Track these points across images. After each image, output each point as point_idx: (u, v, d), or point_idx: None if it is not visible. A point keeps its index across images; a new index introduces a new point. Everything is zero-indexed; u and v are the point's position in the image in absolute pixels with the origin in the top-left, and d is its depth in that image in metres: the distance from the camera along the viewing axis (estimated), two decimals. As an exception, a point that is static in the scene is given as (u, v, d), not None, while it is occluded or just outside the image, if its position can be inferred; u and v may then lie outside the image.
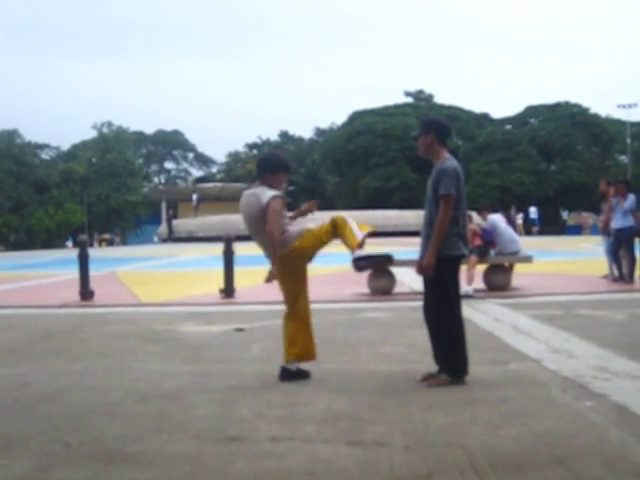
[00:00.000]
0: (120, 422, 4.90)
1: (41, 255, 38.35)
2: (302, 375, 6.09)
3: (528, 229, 49.56)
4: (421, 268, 5.81)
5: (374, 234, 6.32)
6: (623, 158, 70.60)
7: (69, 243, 63.03)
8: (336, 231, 6.05)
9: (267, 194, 5.98)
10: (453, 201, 5.71)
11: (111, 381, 6.27)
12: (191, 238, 45.31)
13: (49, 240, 66.28)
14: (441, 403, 5.15)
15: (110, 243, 64.86)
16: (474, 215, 15.45)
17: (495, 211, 14.61)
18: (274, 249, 5.90)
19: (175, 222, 50.89)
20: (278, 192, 6.04)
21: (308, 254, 6.10)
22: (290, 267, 6.04)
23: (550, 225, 56.21)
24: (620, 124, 68.91)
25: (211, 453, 4.17)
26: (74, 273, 13.92)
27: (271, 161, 6.36)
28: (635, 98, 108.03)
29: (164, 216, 61.84)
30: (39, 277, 19.88)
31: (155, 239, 65.62)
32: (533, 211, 51.65)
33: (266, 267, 6.03)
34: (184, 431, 4.63)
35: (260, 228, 6.01)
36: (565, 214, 58.71)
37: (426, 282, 5.91)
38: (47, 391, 5.94)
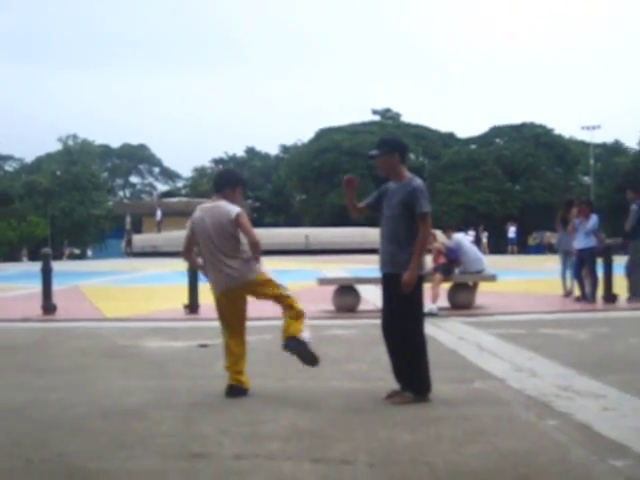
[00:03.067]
0: (83, 438, 4.85)
1: (3, 268, 37.83)
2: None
3: (505, 248, 49.31)
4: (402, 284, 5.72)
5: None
6: (586, 179, 71.49)
7: None
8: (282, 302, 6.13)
9: (233, 208, 6.06)
10: (430, 218, 5.77)
11: (74, 396, 6.20)
12: (155, 253, 45.06)
13: (11, 253, 65.34)
14: (405, 421, 5.16)
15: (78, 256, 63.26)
16: (438, 234, 15.53)
17: (460, 230, 14.68)
18: (257, 257, 6.06)
19: (138, 237, 50.65)
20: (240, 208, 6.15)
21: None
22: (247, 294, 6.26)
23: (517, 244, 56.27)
24: (583, 145, 69.91)
25: (175, 470, 4.14)
26: (37, 286, 13.77)
27: (230, 176, 6.53)
28: (598, 120, 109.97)
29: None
30: (0, 290, 19.62)
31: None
32: (512, 230, 50.47)
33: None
34: (147, 447, 4.59)
35: (228, 240, 6.05)
36: (537, 235, 57.16)
37: (389, 299, 5.90)
38: (8, 406, 5.86)
